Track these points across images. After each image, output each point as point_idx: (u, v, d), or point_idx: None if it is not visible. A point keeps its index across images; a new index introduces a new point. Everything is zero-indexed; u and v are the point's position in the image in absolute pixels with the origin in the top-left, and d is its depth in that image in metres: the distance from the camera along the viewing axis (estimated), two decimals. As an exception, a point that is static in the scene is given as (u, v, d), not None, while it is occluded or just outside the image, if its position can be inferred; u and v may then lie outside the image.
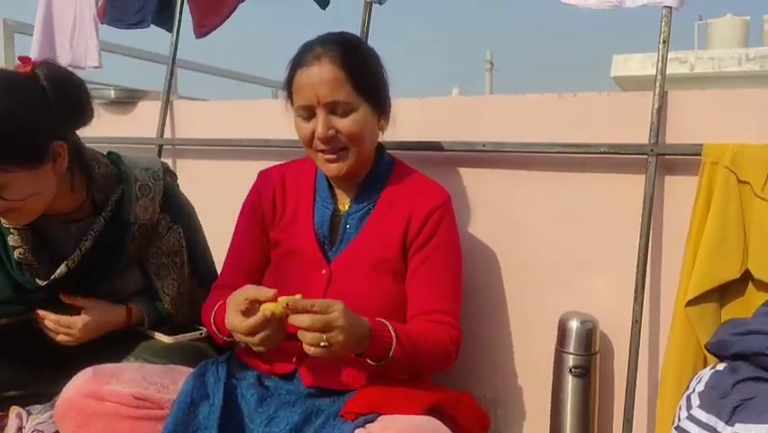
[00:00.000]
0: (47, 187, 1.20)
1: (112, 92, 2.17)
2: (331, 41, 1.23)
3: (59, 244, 1.32)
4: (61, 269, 1.29)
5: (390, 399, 1.11)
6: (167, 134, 2.09)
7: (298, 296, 1.08)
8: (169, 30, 2.18)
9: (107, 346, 1.35)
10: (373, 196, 1.30)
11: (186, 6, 2.12)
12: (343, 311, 1.04)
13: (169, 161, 1.94)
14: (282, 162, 1.44)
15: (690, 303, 1.30)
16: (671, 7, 1.42)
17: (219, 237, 1.72)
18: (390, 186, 1.32)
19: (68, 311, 1.34)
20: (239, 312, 1.09)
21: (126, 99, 2.17)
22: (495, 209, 1.60)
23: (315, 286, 1.25)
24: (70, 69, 1.46)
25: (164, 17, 2.20)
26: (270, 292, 1.09)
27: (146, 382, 1.18)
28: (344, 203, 1.32)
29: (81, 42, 2.27)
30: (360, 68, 1.22)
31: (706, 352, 1.24)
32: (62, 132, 1.21)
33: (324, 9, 2.00)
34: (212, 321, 1.26)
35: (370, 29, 1.77)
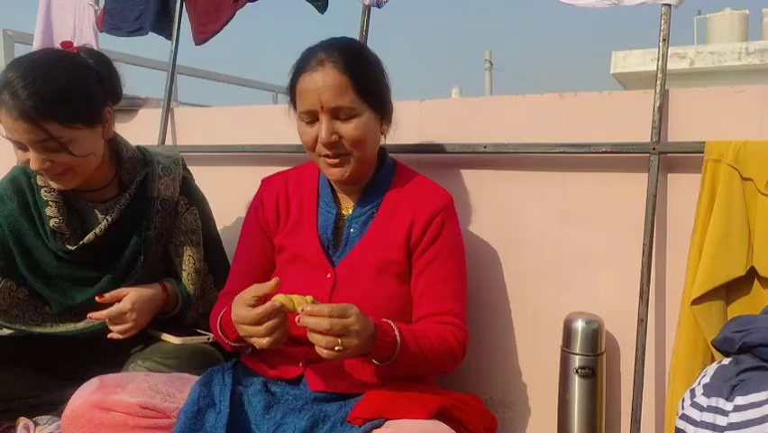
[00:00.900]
0: (99, 148, 1.35)
1: (112, 100, 2.17)
2: (334, 46, 1.23)
3: (88, 220, 1.43)
4: (90, 235, 1.38)
5: (397, 403, 1.11)
6: (168, 141, 2.09)
7: (309, 297, 1.08)
8: (168, 37, 2.18)
9: (114, 351, 1.38)
10: (376, 199, 1.31)
11: (185, 13, 2.12)
12: (358, 316, 1.06)
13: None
14: (285, 168, 1.44)
15: (696, 301, 1.30)
16: (670, 5, 1.42)
17: (223, 243, 1.72)
18: (393, 189, 1.33)
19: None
20: (246, 306, 1.10)
21: (127, 107, 2.17)
22: (498, 211, 1.59)
23: (321, 290, 1.25)
24: None
25: (162, 24, 2.20)
26: (273, 282, 1.11)
27: (152, 391, 1.18)
28: (348, 207, 1.33)
29: (81, 51, 2.27)
30: (363, 73, 1.22)
31: (713, 349, 1.24)
32: (107, 101, 1.36)
33: (323, 13, 2.00)
34: (218, 325, 1.27)
35: (369, 32, 1.77)
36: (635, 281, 1.40)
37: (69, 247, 1.38)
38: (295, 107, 1.27)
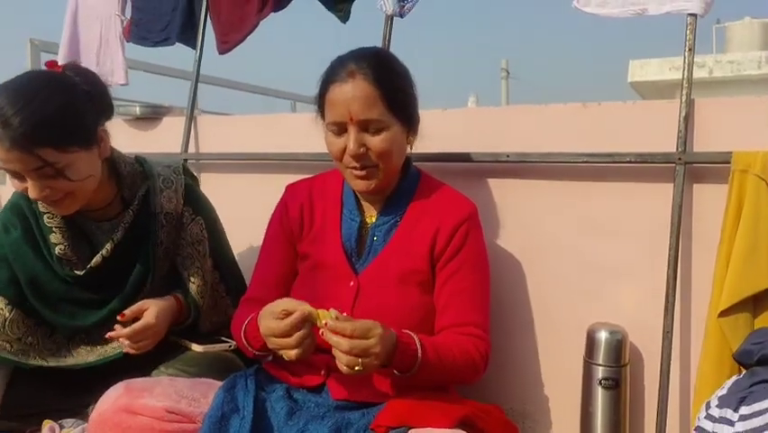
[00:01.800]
0: (97, 169, 1.33)
1: (137, 108, 2.21)
2: (364, 57, 1.23)
3: (94, 241, 1.42)
4: (97, 258, 1.38)
5: (420, 412, 1.11)
6: (191, 149, 2.12)
7: (333, 311, 1.08)
8: (193, 47, 2.21)
9: (141, 358, 1.37)
10: (400, 208, 1.32)
11: (209, 24, 2.15)
12: (381, 337, 1.06)
13: (193, 176, 1.96)
14: (307, 176, 1.45)
15: (723, 313, 1.29)
16: (695, 14, 1.41)
17: (244, 250, 1.74)
18: (417, 199, 1.33)
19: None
20: (275, 318, 1.11)
21: (151, 115, 2.21)
22: (520, 220, 1.59)
23: (344, 298, 1.26)
24: None
25: (188, 35, 2.23)
26: (307, 307, 1.11)
27: (178, 395, 1.19)
28: (371, 215, 1.33)
29: (107, 60, 2.31)
30: (392, 85, 1.23)
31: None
32: (100, 119, 1.33)
33: (345, 23, 2.01)
34: (242, 333, 1.27)
35: (391, 42, 1.79)
36: (660, 293, 1.39)
37: (77, 273, 1.37)
38: (323, 117, 1.28)
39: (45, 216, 1.38)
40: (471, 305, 1.26)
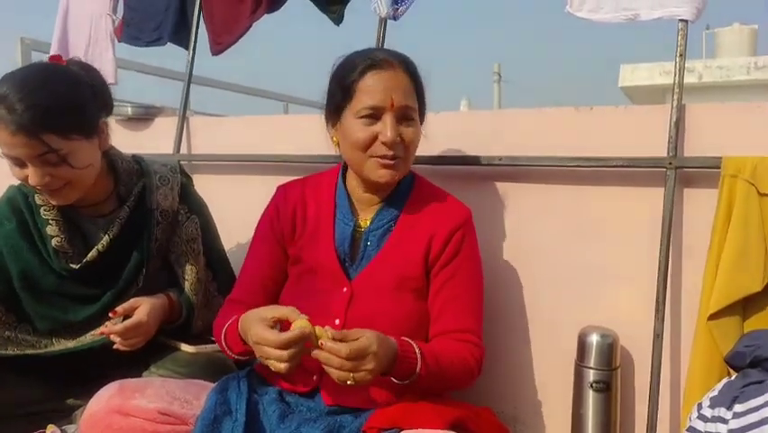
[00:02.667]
0: (97, 160, 1.35)
1: (129, 109, 2.19)
2: (392, 53, 1.27)
3: (90, 236, 1.42)
4: (92, 253, 1.37)
5: (413, 414, 1.11)
6: (183, 150, 2.11)
7: (329, 329, 1.06)
8: (185, 47, 2.20)
9: (130, 358, 1.37)
10: (394, 212, 1.30)
11: (202, 24, 2.14)
12: (375, 356, 1.04)
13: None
14: (300, 177, 1.44)
15: (713, 317, 1.30)
16: (686, 20, 1.43)
17: (235, 251, 1.73)
18: (412, 203, 1.31)
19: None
20: (268, 327, 1.08)
21: (143, 116, 2.19)
22: (512, 223, 1.60)
23: (337, 304, 1.24)
24: None
25: (181, 35, 2.22)
26: (294, 311, 1.09)
27: (170, 396, 1.18)
28: (365, 219, 1.31)
29: (95, 60, 2.27)
30: (420, 82, 1.28)
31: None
32: (101, 113, 1.36)
33: (338, 25, 2.01)
34: (222, 336, 1.25)
35: (385, 44, 1.79)
36: (650, 297, 1.40)
37: (73, 266, 1.37)
38: (343, 106, 1.24)
39: (42, 209, 1.38)
40: (466, 311, 1.26)
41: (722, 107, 1.42)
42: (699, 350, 1.32)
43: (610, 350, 1.40)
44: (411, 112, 1.24)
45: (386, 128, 1.21)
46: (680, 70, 1.43)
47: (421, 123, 1.30)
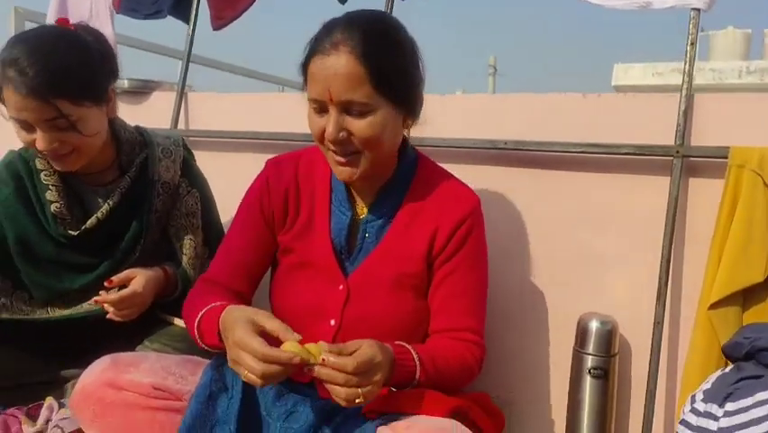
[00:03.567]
0: (104, 127, 1.34)
1: (125, 81, 2.15)
2: (355, 24, 1.06)
3: (89, 204, 1.40)
4: (92, 220, 1.36)
5: (413, 400, 1.07)
6: (180, 125, 2.07)
7: (323, 344, 0.96)
8: (185, 21, 2.16)
9: (125, 331, 1.35)
10: (395, 201, 1.19)
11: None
12: (381, 365, 0.97)
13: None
14: (292, 152, 1.31)
15: (713, 306, 1.30)
16: (699, 9, 1.42)
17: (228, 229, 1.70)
18: (414, 190, 1.20)
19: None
20: (256, 333, 0.97)
21: (141, 89, 2.15)
22: (515, 208, 1.59)
23: (332, 304, 1.17)
24: None
25: (180, 8, 2.18)
26: (291, 336, 0.96)
27: (165, 372, 1.15)
28: (363, 208, 1.21)
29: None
30: (384, 61, 1.04)
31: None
32: (110, 79, 1.34)
33: (344, 4, 1.98)
34: (197, 321, 1.12)
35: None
36: (651, 285, 1.39)
37: (72, 233, 1.35)
38: (305, 90, 1.13)
39: (42, 174, 1.36)
40: (467, 308, 1.18)
41: (731, 97, 1.41)
42: (698, 339, 1.33)
43: (609, 336, 1.40)
44: (358, 105, 1.04)
45: (327, 124, 1.06)
46: (690, 59, 1.42)
47: (403, 107, 1.11)
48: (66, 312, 1.38)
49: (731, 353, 1.16)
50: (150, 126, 2.06)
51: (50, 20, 2.33)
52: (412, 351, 1.07)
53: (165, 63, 3.17)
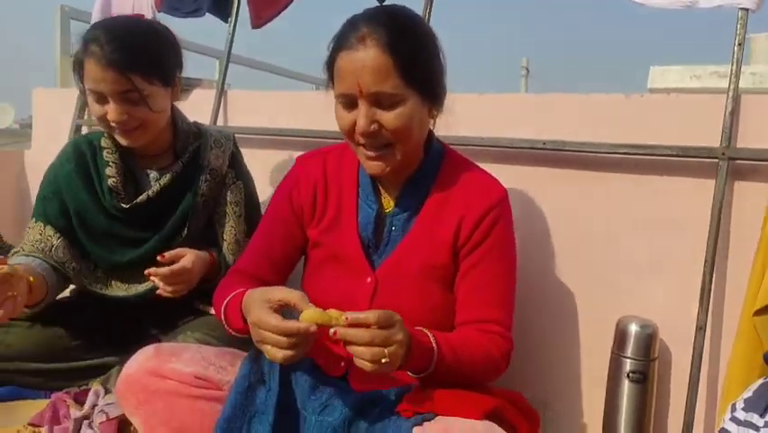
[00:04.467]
0: (168, 108, 1.46)
1: (167, 79, 2.19)
2: (378, 18, 1.07)
3: (143, 184, 1.50)
4: (142, 196, 1.45)
5: (449, 400, 1.06)
6: (220, 122, 2.11)
7: (348, 313, 0.97)
8: (224, 19, 2.21)
9: (163, 323, 1.44)
10: (422, 194, 1.20)
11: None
12: (401, 323, 0.98)
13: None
14: (320, 149, 1.33)
15: (758, 313, 1.27)
16: (747, 9, 1.39)
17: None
18: (440, 182, 1.20)
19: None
20: (272, 310, 1.00)
21: (183, 86, 2.19)
22: (554, 209, 1.58)
23: (360, 296, 1.18)
24: None
25: (220, 6, 2.22)
26: (307, 305, 0.99)
27: (206, 362, 1.18)
28: (389, 201, 1.22)
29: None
30: (410, 53, 1.06)
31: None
32: (177, 66, 1.46)
33: (382, 2, 1.99)
34: (223, 309, 1.17)
35: (431, 19, 1.77)
36: (693, 289, 1.37)
37: (123, 205, 1.43)
38: (331, 87, 1.14)
39: (105, 151, 1.46)
40: (493, 300, 1.16)
41: (779, 99, 1.38)
42: (740, 346, 1.29)
43: (649, 340, 1.38)
44: (388, 96, 1.06)
45: (358, 116, 1.07)
46: (737, 61, 1.40)
47: (429, 97, 1.12)
48: (121, 292, 1.47)
49: None
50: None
51: (95, 18, 2.39)
52: (430, 335, 1.06)
53: (194, 61, 3.22)
